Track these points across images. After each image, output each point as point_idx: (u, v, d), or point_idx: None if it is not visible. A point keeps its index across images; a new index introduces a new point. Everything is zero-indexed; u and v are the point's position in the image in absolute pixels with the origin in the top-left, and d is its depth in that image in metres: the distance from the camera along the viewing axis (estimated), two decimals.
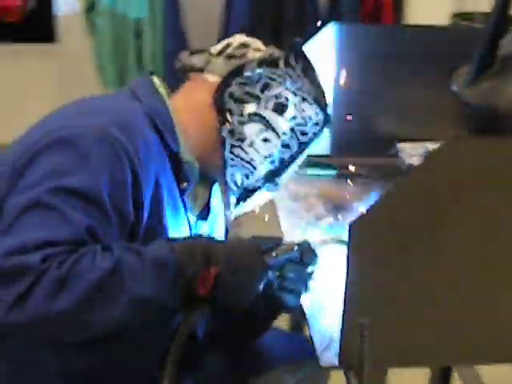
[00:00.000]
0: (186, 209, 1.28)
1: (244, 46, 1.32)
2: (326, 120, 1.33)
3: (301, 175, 1.75)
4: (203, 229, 1.37)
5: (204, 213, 1.35)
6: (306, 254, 1.18)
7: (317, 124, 1.32)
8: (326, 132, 1.36)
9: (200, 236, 1.20)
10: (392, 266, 1.03)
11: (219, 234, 1.42)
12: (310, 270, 1.20)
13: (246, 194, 1.31)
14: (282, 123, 1.27)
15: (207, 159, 1.28)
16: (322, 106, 1.32)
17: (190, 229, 1.30)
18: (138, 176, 1.13)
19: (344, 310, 1.05)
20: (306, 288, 1.21)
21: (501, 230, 1.02)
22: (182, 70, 1.33)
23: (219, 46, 1.33)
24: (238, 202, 1.31)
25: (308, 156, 1.38)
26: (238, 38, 1.33)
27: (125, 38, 3.47)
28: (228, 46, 1.32)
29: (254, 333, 1.40)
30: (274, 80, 1.28)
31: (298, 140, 1.30)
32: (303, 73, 1.30)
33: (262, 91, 1.27)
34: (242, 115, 1.26)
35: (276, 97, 1.27)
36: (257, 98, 1.26)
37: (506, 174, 0.99)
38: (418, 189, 1.00)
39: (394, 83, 1.90)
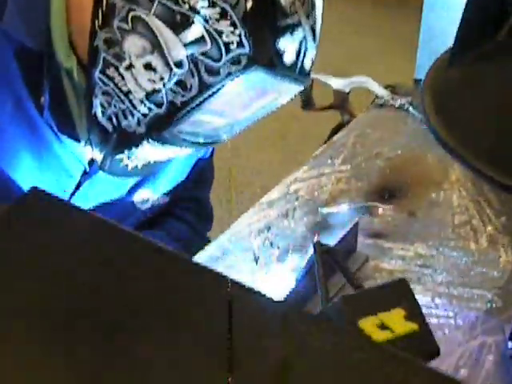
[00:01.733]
0: (55, 134, 0.95)
1: None
2: (259, 59, 0.75)
3: None
4: None
5: None
6: None
7: (237, 62, 0.75)
8: (263, 81, 0.78)
9: None
10: None
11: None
12: None
13: (129, 139, 0.86)
14: (177, 47, 0.77)
15: None
16: (255, 33, 0.74)
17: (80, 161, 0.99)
18: None
19: None
20: None
21: None
22: None
23: None
24: (119, 147, 0.89)
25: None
26: None
27: None
28: None
29: None
30: None
31: (201, 79, 0.77)
32: None
33: None
34: (125, 20, 0.79)
35: (176, 2, 0.75)
36: None
37: None
38: None
39: None
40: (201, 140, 0.88)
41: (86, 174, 1.01)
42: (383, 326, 0.77)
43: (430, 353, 0.79)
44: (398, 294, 0.80)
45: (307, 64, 0.81)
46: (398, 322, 0.78)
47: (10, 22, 0.87)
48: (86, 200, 1.04)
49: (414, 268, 1.04)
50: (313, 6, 0.80)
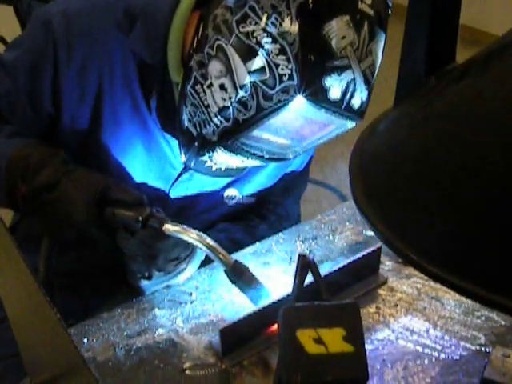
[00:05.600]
0: (162, 132, 1.17)
1: None
2: (304, 91, 0.90)
3: None
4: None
5: None
6: (147, 231, 1.04)
7: (285, 91, 0.93)
8: (309, 111, 0.94)
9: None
10: None
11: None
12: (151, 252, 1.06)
13: (206, 145, 1.05)
14: (243, 73, 0.96)
15: None
16: (303, 69, 0.90)
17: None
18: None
19: None
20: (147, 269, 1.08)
21: None
22: None
23: None
24: (200, 151, 1.08)
25: None
26: None
27: None
28: None
29: None
30: (254, 12, 0.94)
31: (259, 103, 0.96)
32: (300, 12, 0.89)
33: (238, 24, 0.96)
34: (212, 47, 1.00)
35: (247, 36, 0.95)
36: (230, 32, 0.97)
37: None
38: None
39: None
40: (265, 155, 1.05)
41: (185, 168, 1.21)
42: (319, 341, 0.86)
43: (358, 377, 0.86)
44: (345, 315, 0.88)
45: (355, 103, 0.94)
46: (335, 340, 0.86)
47: (136, 41, 1.10)
48: (185, 188, 1.25)
49: (425, 298, 1.09)
50: (368, 53, 0.92)
